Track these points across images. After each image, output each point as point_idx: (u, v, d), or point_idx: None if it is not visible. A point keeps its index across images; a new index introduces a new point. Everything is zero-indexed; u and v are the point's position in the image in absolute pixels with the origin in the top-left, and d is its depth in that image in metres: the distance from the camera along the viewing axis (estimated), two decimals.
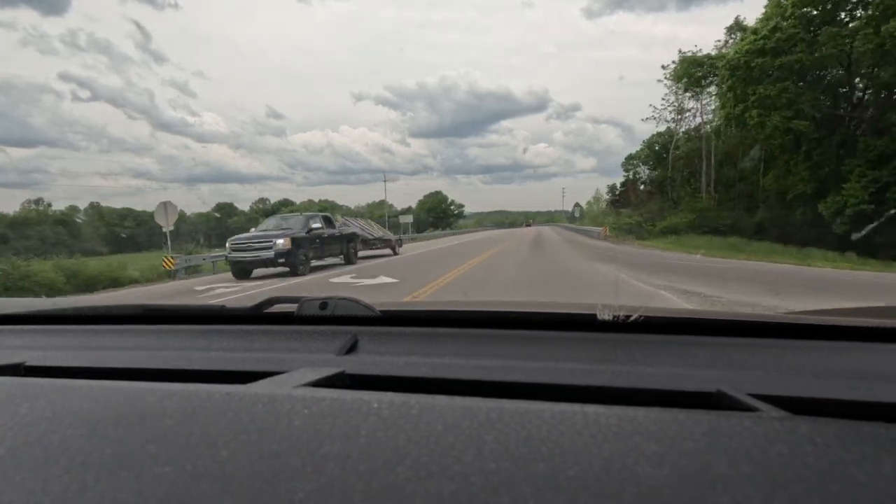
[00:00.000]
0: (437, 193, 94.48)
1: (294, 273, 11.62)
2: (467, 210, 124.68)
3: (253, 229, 13.26)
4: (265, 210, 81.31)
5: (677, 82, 33.45)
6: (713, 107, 33.08)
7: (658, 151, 41.71)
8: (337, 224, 15.60)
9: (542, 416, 0.42)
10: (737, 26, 29.75)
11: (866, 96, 23.92)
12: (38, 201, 78.67)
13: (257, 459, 0.36)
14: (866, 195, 19.61)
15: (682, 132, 36.25)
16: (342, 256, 14.46)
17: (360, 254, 16.91)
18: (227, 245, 12.12)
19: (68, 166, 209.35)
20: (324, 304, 0.90)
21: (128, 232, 74.40)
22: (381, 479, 0.33)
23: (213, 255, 16.29)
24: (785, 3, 21.55)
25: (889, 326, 0.72)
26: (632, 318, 0.77)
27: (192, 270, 15.32)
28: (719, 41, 32.41)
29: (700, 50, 32.26)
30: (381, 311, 0.88)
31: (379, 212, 59.12)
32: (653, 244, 23.45)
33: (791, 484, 0.31)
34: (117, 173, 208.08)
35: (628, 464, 0.34)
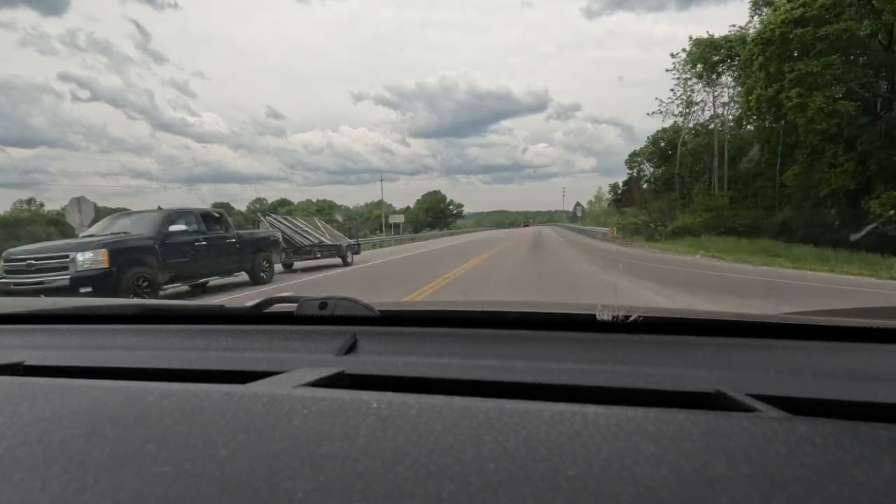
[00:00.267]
0: (436, 193, 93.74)
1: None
2: (467, 210, 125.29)
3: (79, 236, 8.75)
4: (263, 210, 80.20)
5: (692, 67, 30.20)
6: (725, 98, 30.09)
7: (664, 148, 39.62)
8: (261, 224, 12.42)
9: (542, 417, 0.42)
10: (763, 1, 26.33)
11: None
12: (29, 201, 76.66)
13: (256, 459, 0.36)
14: None
15: (691, 126, 33.20)
16: (247, 272, 10.08)
17: (301, 265, 13.85)
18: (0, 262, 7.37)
19: (68, 166, 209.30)
20: (323, 303, 0.90)
21: None
22: (381, 479, 0.33)
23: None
24: None
25: (888, 327, 0.72)
26: (631, 319, 0.77)
27: None
28: (734, 26, 29.25)
29: (713, 35, 29.14)
30: (380, 311, 0.88)
31: (377, 212, 58.10)
32: (666, 246, 20.39)
33: (790, 484, 0.31)
34: (117, 173, 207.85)
35: (627, 464, 0.34)
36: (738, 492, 0.30)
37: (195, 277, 8.93)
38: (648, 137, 42.83)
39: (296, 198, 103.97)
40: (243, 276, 10.25)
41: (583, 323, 0.80)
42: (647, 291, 7.44)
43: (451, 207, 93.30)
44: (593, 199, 76.41)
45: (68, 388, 0.53)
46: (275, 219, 13.47)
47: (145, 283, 7.57)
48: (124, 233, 8.06)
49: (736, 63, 28.06)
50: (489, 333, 0.81)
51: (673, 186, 33.68)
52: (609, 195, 56.72)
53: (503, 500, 0.30)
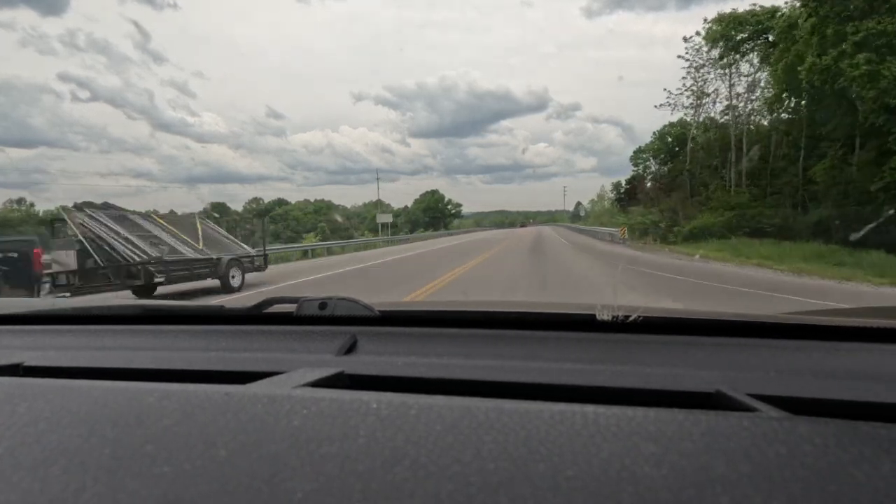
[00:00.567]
0: (434, 192, 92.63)
1: None
2: (468, 210, 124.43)
3: None
4: (259, 210, 78.18)
5: (710, 48, 26.77)
6: (742, 89, 26.61)
7: (671, 144, 36.91)
8: (66, 227, 8.66)
9: (541, 417, 0.42)
10: None
11: None
12: (20, 201, 74.65)
13: (256, 460, 0.36)
14: None
15: (703, 119, 29.83)
16: None
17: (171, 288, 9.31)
18: None
19: (68, 167, 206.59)
20: (323, 304, 0.90)
21: None
22: (380, 480, 0.33)
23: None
24: None
25: (888, 327, 0.72)
26: (631, 319, 0.77)
27: None
28: (755, 4, 25.82)
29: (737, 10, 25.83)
30: (380, 312, 0.88)
31: (374, 212, 56.40)
32: (690, 250, 16.93)
33: (790, 484, 0.31)
34: (117, 173, 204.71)
35: (627, 464, 0.34)
36: (739, 492, 0.30)
37: None
38: (655, 133, 40.44)
39: (295, 197, 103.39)
40: None
41: (583, 323, 0.80)
42: None
43: (449, 207, 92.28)
44: (595, 199, 73.87)
45: (68, 389, 0.53)
46: (92, 215, 8.82)
47: None
48: None
49: (761, 42, 24.77)
50: (489, 333, 0.81)
51: (682, 183, 30.44)
52: (612, 194, 54.17)
53: (503, 501, 0.30)
